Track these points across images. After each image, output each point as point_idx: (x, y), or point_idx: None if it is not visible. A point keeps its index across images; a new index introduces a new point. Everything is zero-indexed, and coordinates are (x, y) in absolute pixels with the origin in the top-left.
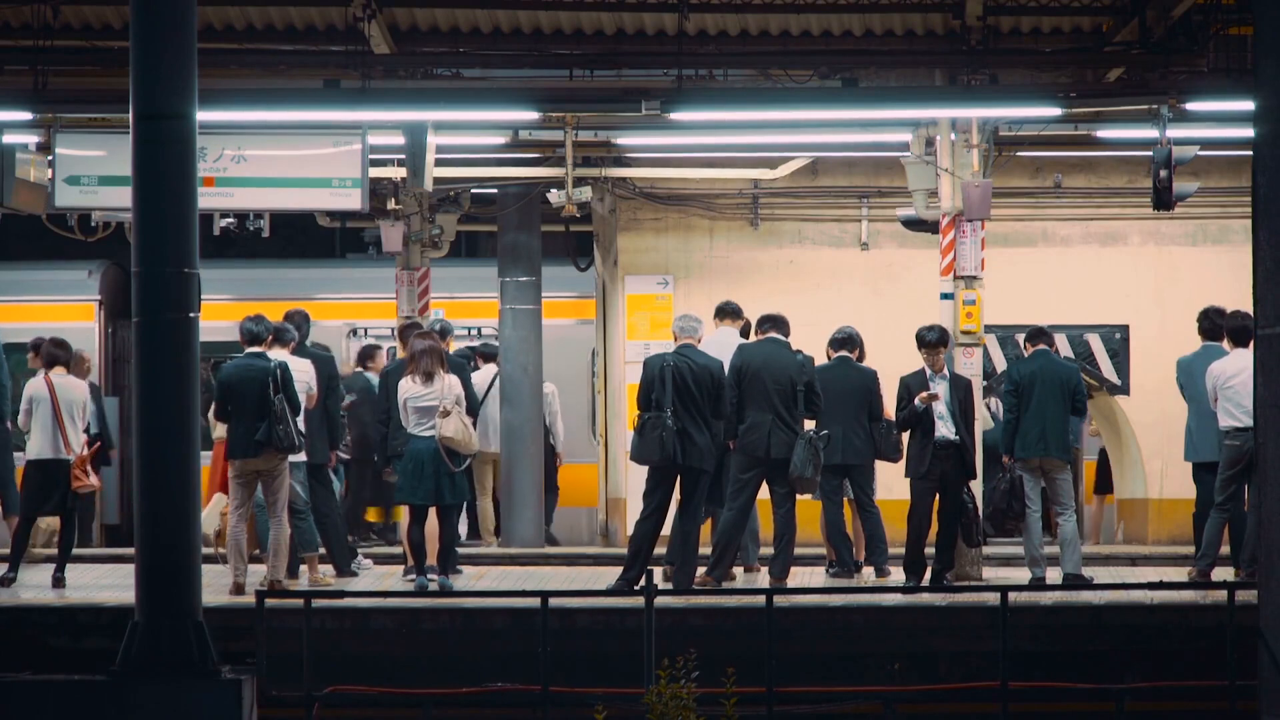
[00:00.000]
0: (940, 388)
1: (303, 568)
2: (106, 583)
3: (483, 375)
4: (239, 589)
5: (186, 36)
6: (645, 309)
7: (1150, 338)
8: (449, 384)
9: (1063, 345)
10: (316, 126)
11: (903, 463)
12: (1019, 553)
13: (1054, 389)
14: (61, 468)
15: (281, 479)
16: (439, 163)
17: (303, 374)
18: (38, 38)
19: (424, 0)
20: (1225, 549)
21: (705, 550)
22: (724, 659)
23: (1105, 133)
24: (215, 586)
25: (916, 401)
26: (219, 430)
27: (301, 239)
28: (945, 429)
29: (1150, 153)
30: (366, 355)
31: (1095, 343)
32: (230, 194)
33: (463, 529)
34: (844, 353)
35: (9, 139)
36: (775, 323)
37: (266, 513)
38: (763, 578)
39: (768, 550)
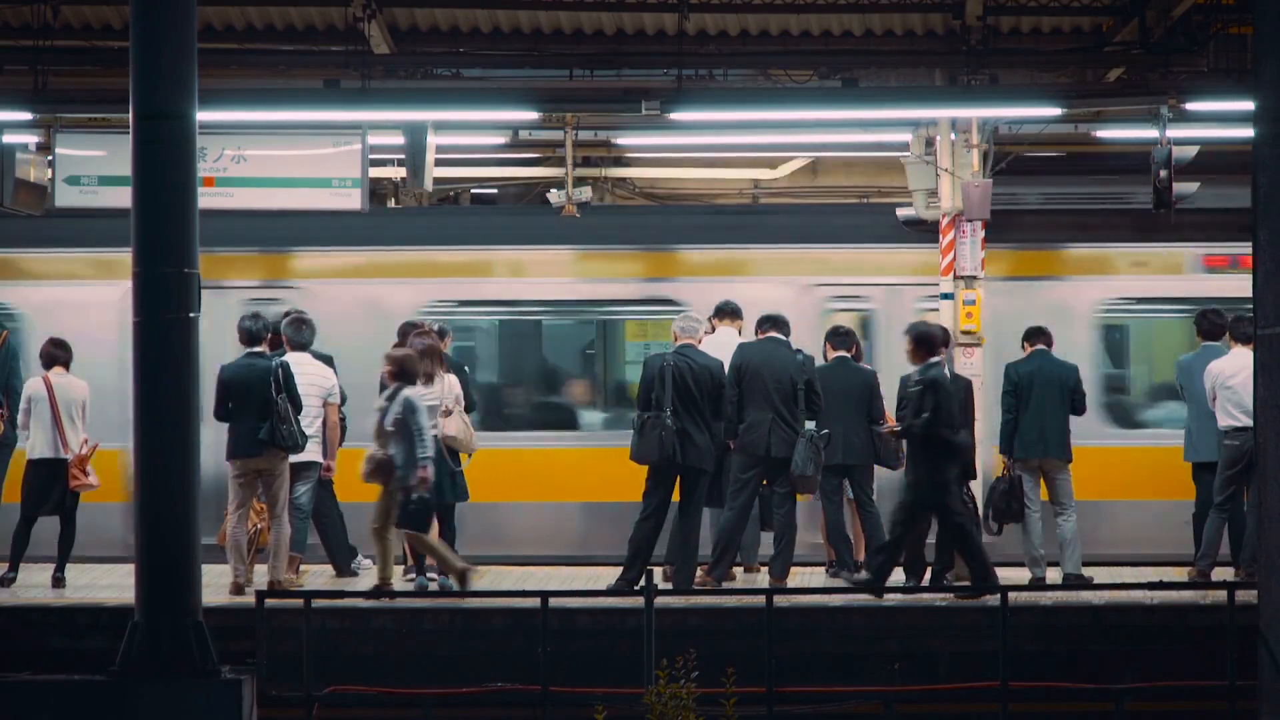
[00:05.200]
0: None
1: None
2: (106, 583)
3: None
4: (238, 589)
5: (186, 36)
6: None
7: None
8: (449, 384)
9: None
10: (316, 126)
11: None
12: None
13: (1053, 388)
14: (60, 467)
15: (281, 479)
16: (439, 163)
17: (324, 378)
18: (38, 38)
19: (424, 0)
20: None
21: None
22: (724, 659)
23: (1105, 133)
24: (215, 586)
25: None
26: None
27: None
28: None
29: (1150, 152)
30: None
31: None
32: (230, 194)
33: None
34: (842, 352)
35: (9, 139)
36: (775, 322)
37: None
38: (763, 578)
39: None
